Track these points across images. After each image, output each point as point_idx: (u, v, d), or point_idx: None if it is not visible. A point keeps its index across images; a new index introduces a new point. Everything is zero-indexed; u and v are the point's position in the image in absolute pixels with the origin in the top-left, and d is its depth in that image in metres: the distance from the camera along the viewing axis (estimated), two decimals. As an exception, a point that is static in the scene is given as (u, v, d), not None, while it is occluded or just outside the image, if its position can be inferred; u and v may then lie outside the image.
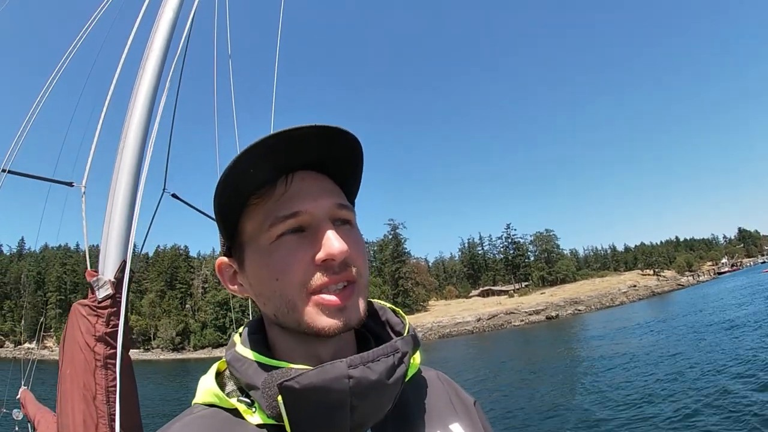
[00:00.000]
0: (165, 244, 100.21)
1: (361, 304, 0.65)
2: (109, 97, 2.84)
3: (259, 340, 0.68)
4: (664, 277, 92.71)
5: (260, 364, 0.62)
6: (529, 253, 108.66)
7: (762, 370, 13.88)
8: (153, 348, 76.25)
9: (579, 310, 66.67)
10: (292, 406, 0.56)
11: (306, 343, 0.66)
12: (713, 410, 11.32)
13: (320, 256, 0.61)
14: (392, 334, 0.74)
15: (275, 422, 0.59)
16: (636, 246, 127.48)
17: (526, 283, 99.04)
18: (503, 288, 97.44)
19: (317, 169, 0.68)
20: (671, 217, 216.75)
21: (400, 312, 0.78)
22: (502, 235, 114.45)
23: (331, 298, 0.62)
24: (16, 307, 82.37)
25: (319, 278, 0.61)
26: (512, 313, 68.46)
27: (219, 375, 0.69)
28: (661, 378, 16.13)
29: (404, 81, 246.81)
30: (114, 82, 2.90)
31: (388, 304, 0.80)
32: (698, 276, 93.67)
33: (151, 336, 77.76)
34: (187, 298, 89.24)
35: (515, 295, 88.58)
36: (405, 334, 0.70)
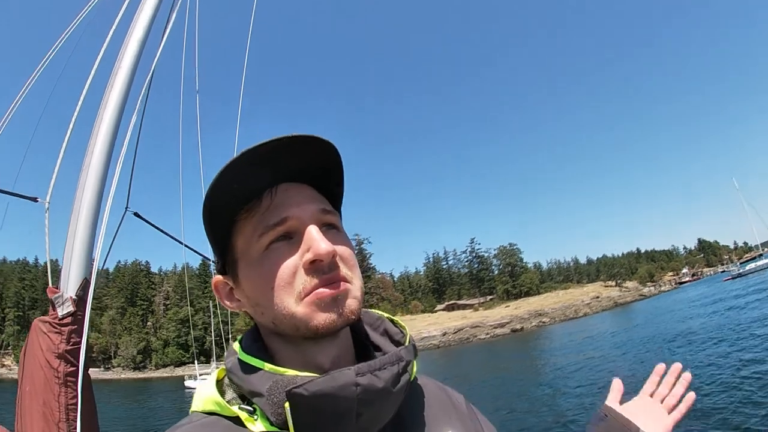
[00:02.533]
0: (126, 259, 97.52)
1: (354, 303, 0.65)
2: (76, 113, 2.84)
3: (261, 348, 0.69)
4: (626, 288, 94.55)
5: (264, 372, 0.62)
6: (493, 266, 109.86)
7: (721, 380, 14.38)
8: (114, 367, 73.85)
9: (543, 322, 67.60)
10: (298, 413, 0.56)
11: (304, 351, 0.66)
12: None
13: (308, 257, 0.62)
14: (391, 344, 0.74)
15: (278, 430, 0.59)
16: (598, 258, 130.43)
17: (491, 297, 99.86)
18: (468, 302, 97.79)
19: (298, 179, 0.70)
20: (632, 229, 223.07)
21: (399, 322, 0.78)
22: (466, 249, 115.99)
23: (323, 290, 0.62)
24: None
25: (310, 281, 0.62)
26: (478, 326, 68.81)
27: (218, 383, 0.69)
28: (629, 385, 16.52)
29: (368, 97, 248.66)
30: (81, 98, 2.89)
31: (386, 314, 0.80)
32: (660, 286, 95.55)
33: (112, 354, 75.31)
34: (148, 315, 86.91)
35: (480, 308, 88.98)
36: (406, 343, 0.70)
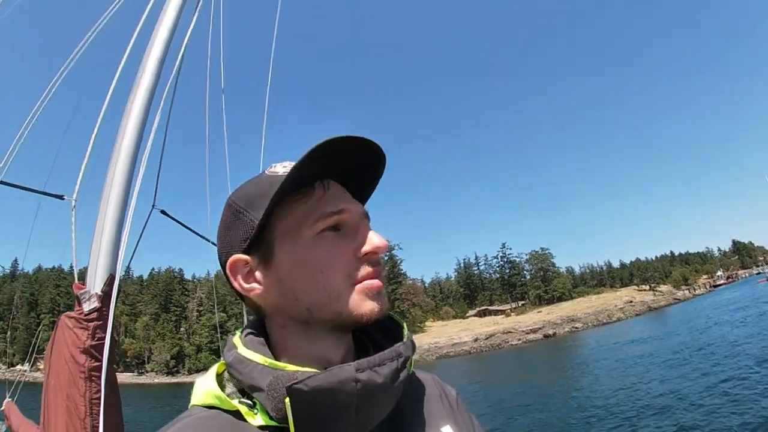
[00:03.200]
0: (159, 266, 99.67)
1: (386, 300, 0.69)
2: (102, 111, 2.89)
3: (261, 343, 0.69)
4: (660, 291, 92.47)
5: (264, 367, 0.62)
6: (525, 271, 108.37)
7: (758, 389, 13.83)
8: (147, 371, 75.21)
9: (576, 328, 66.47)
10: (299, 408, 0.56)
11: (320, 344, 0.68)
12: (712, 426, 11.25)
13: (366, 249, 0.67)
14: (389, 340, 0.75)
15: (278, 424, 0.59)
16: (631, 262, 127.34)
17: (523, 302, 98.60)
18: (500, 307, 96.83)
19: (342, 179, 0.73)
20: (666, 231, 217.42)
21: (397, 318, 0.79)
22: (497, 255, 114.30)
23: (374, 281, 0.67)
24: (9, 328, 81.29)
25: (363, 269, 0.66)
26: (509, 332, 68.20)
27: (217, 377, 0.69)
28: (659, 395, 16.05)
29: (397, 97, 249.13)
30: (108, 96, 2.94)
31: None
32: (694, 289, 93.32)
33: (146, 359, 76.74)
34: (181, 321, 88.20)
35: (512, 314, 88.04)
36: (405, 339, 0.71)
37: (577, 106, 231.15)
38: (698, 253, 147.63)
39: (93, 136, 2.79)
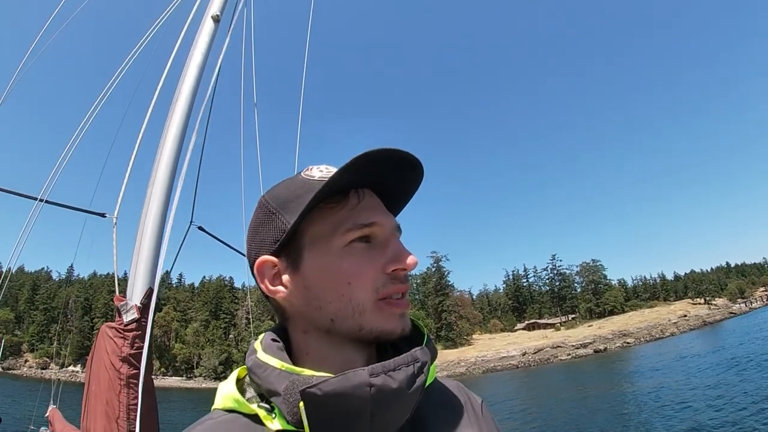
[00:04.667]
0: (211, 275, 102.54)
1: (409, 321, 0.70)
2: (141, 132, 3.07)
3: (282, 348, 0.69)
4: (715, 305, 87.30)
5: (281, 371, 0.62)
6: (575, 284, 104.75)
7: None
8: (196, 376, 77.32)
9: (628, 343, 63.64)
10: (313, 412, 0.56)
11: (343, 352, 0.68)
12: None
13: (396, 265, 0.66)
14: (409, 345, 0.72)
15: (295, 429, 0.59)
16: (686, 274, 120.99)
17: (573, 316, 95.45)
18: (549, 321, 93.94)
19: (378, 191, 0.73)
20: (722, 242, 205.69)
21: (417, 321, 0.77)
22: (547, 267, 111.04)
23: (399, 302, 0.67)
24: (63, 331, 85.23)
25: (390, 285, 0.66)
26: (559, 346, 66.04)
27: (239, 381, 0.70)
28: (714, 415, 15.29)
29: (444, 109, 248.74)
30: (147, 117, 3.13)
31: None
32: (751, 303, 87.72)
33: (194, 364, 78.97)
34: (230, 328, 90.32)
35: (562, 327, 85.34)
36: (424, 344, 0.69)
37: (633, 115, 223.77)
38: (755, 264, 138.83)
39: (133, 156, 2.98)
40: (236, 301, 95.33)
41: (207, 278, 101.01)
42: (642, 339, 65.33)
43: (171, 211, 2.52)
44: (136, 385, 2.20)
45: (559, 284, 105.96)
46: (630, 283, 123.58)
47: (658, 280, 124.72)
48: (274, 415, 0.62)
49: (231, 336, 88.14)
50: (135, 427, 2.09)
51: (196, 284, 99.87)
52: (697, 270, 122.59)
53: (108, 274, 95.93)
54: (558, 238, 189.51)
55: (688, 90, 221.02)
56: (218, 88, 3.20)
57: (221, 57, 2.93)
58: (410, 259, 0.67)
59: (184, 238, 3.14)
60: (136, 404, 2.16)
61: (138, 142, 3.03)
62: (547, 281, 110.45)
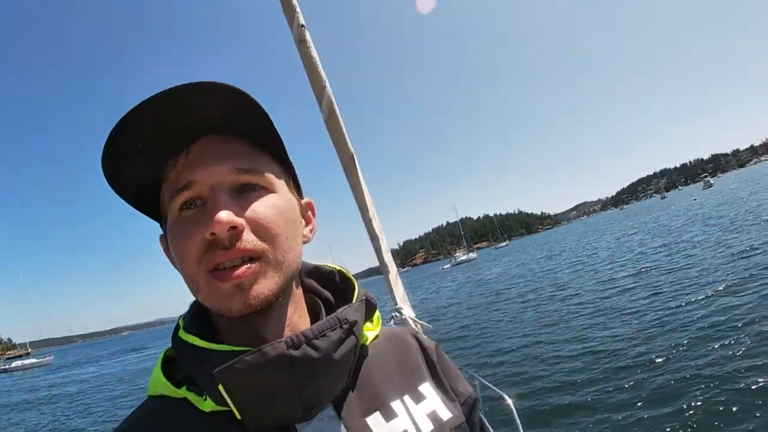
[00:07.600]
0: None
1: (270, 282, 0.53)
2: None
3: (201, 323, 0.59)
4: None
5: (203, 350, 0.54)
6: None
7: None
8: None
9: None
10: (234, 391, 0.50)
11: (245, 324, 0.55)
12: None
13: (209, 229, 0.51)
14: (343, 301, 0.67)
15: (226, 408, 0.52)
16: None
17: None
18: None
19: (215, 132, 0.57)
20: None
21: (348, 274, 0.71)
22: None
23: (226, 273, 0.51)
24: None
25: (210, 255, 0.51)
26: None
27: (170, 363, 0.60)
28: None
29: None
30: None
31: (338, 266, 0.73)
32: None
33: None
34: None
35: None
36: (354, 300, 0.64)
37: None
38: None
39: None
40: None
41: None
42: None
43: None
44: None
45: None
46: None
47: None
48: (204, 397, 0.53)
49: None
50: None
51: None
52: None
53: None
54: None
55: None
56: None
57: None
58: (215, 221, 0.49)
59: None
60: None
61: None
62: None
